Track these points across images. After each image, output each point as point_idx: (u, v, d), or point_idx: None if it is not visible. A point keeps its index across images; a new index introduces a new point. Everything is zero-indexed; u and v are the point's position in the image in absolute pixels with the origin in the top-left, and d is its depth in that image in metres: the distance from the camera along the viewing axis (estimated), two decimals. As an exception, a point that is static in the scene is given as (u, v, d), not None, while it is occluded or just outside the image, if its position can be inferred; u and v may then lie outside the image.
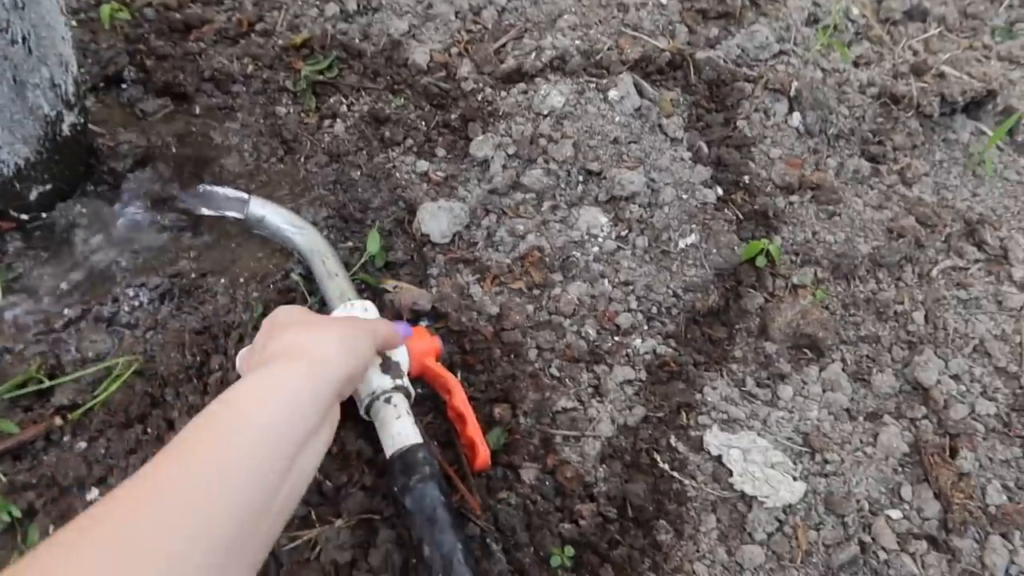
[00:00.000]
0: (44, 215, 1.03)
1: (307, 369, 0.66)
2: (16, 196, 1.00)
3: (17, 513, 0.85)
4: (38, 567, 0.45)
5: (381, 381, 0.85)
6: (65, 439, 0.90)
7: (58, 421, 0.91)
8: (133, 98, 1.18)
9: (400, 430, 0.83)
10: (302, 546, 0.85)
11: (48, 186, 1.02)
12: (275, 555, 0.85)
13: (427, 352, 0.92)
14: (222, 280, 1.01)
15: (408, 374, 0.89)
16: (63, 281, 1.00)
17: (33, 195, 1.01)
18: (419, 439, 0.83)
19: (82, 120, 1.03)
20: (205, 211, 1.04)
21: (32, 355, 0.94)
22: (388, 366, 0.86)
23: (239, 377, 0.73)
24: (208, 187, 1.04)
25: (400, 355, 0.88)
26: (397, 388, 0.86)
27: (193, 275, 1.01)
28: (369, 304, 0.94)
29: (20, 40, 0.88)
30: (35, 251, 1.01)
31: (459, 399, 0.90)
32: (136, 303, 0.99)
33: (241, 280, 1.01)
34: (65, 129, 1.01)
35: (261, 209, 1.03)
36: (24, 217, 1.01)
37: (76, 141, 1.03)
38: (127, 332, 0.98)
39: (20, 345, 0.95)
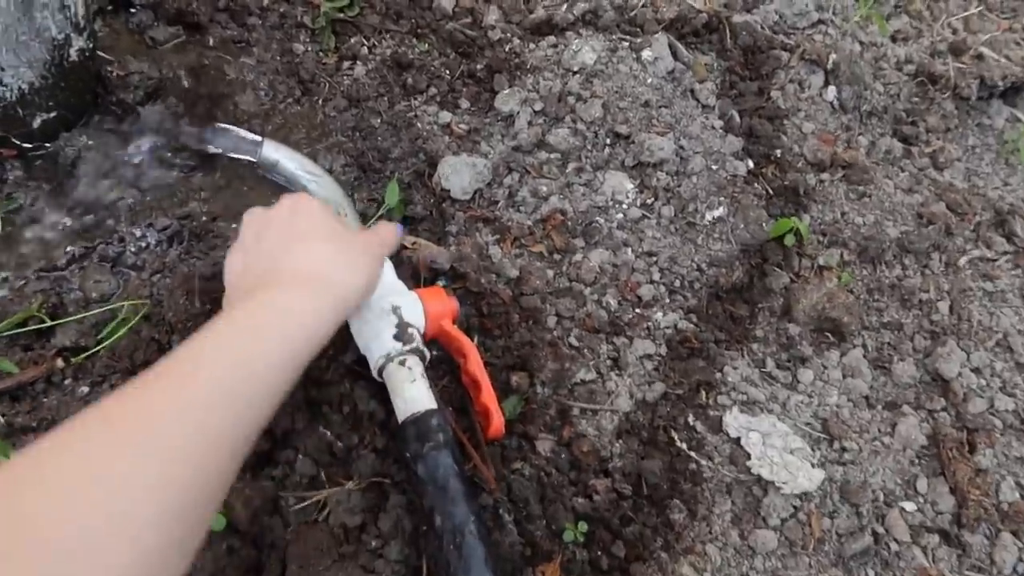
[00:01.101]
0: (47, 145, 0.97)
1: (332, 304, 0.64)
2: (19, 123, 0.94)
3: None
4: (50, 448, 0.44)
5: (395, 343, 0.81)
6: (67, 382, 0.87)
7: (59, 363, 0.87)
8: (143, 24, 1.12)
9: (414, 394, 0.79)
10: (310, 507, 0.83)
11: (52, 114, 0.96)
12: (282, 514, 0.83)
13: (444, 314, 0.87)
14: (234, 225, 0.97)
15: (423, 336, 0.86)
16: (66, 216, 0.95)
17: (36, 123, 0.96)
18: (433, 404, 0.80)
19: (90, 45, 0.97)
20: (216, 150, 0.99)
21: (33, 292, 0.90)
22: (403, 328, 0.82)
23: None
24: (222, 126, 0.99)
25: (415, 316, 0.84)
26: (412, 351, 0.81)
27: (204, 218, 0.96)
28: (387, 261, 0.89)
29: (30, -45, 0.82)
30: (37, 182, 0.96)
31: (474, 364, 0.87)
32: (143, 244, 0.95)
33: (253, 226, 0.97)
34: (72, 54, 0.95)
35: (275, 153, 0.98)
36: (27, 145, 0.96)
37: (83, 67, 0.97)
38: (133, 274, 0.94)
39: (20, 281, 0.90)
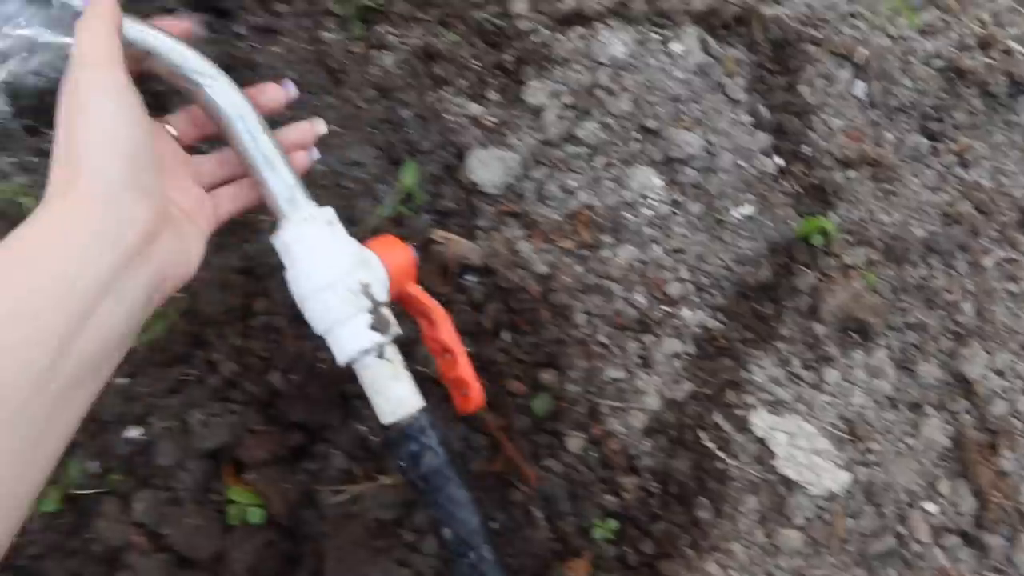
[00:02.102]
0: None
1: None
2: (48, 112, 0.94)
3: (56, 447, 0.83)
4: None
5: (373, 334, 0.65)
6: (103, 373, 0.88)
7: (96, 354, 0.88)
8: (169, 9, 1.11)
9: (400, 394, 0.67)
10: (346, 501, 0.84)
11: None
12: (318, 508, 0.84)
13: (407, 274, 0.71)
14: (260, 217, 0.97)
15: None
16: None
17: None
18: (422, 401, 0.68)
19: (123, 34, 0.97)
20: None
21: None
22: (379, 315, 0.66)
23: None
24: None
25: (382, 288, 0.67)
26: (391, 339, 0.67)
27: (237, 211, 0.96)
28: (332, 214, 0.68)
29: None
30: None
31: (445, 331, 0.74)
32: (176, 235, 0.95)
33: (285, 219, 0.97)
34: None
35: (140, 36, 0.60)
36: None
37: (116, 56, 0.97)
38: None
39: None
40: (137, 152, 0.51)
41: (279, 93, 0.67)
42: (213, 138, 0.68)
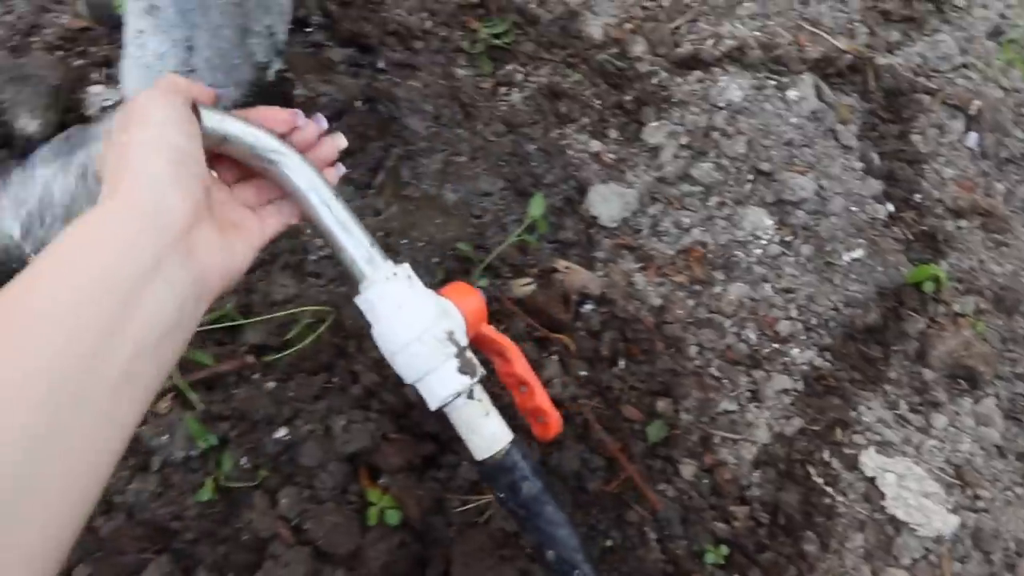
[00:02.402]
0: (241, 157, 1.06)
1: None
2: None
3: (213, 441, 0.92)
4: None
5: (462, 378, 0.70)
6: (255, 376, 0.96)
7: (250, 359, 0.96)
8: (318, 43, 1.20)
9: (493, 430, 0.72)
10: (472, 510, 0.90)
11: (246, 128, 1.05)
12: (446, 515, 0.90)
13: (480, 316, 0.76)
14: (403, 241, 1.04)
15: None
16: (254, 223, 1.04)
17: (232, 135, 1.05)
18: (511, 434, 0.73)
19: (284, 67, 1.06)
20: None
21: (227, 293, 0.99)
22: (464, 358, 0.71)
23: None
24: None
25: (462, 334, 0.72)
26: (479, 380, 0.71)
27: (379, 233, 1.04)
28: (410, 270, 0.71)
29: (255, -10, 0.90)
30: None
31: (520, 366, 0.79)
32: (321, 254, 1.03)
33: (420, 244, 1.04)
34: (271, 75, 1.03)
35: (220, 125, 0.64)
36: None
37: (277, 88, 1.06)
38: (312, 280, 1.02)
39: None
40: (183, 157, 0.54)
41: (314, 129, 0.69)
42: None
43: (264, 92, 1.04)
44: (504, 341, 0.80)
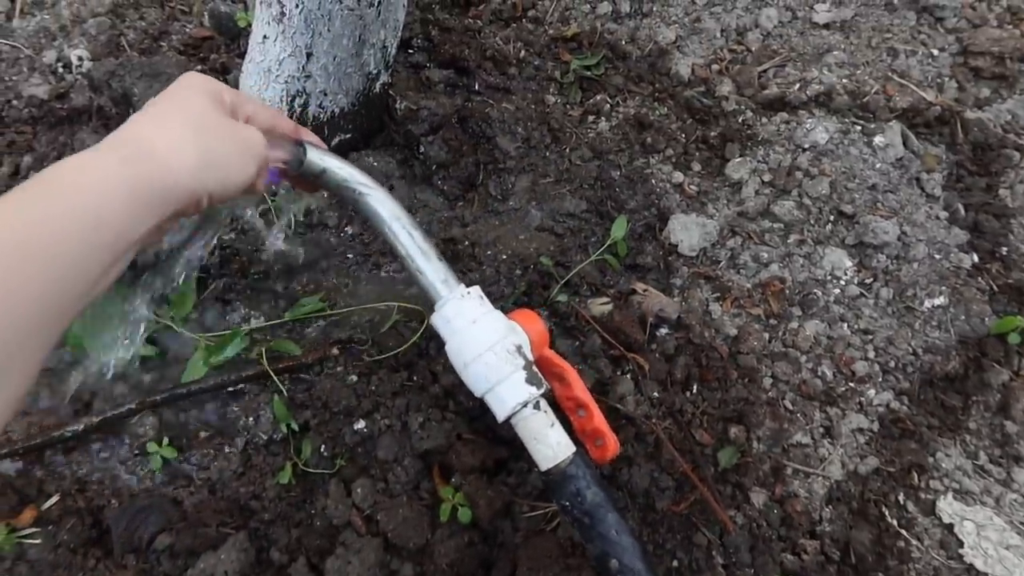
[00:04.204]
0: (341, 162, 1.11)
1: (127, 167, 0.51)
2: (322, 140, 1.09)
3: (295, 427, 0.95)
4: None
5: (530, 387, 0.76)
6: (339, 369, 0.99)
7: (335, 351, 1.00)
8: (418, 64, 1.27)
9: (559, 439, 0.76)
10: (539, 517, 0.91)
11: (348, 135, 1.11)
12: (513, 520, 0.91)
13: (543, 340, 0.82)
14: (488, 252, 1.08)
15: None
16: (348, 225, 1.09)
17: (335, 141, 1.10)
18: (574, 446, 0.77)
19: (390, 80, 1.12)
20: None
21: (317, 288, 1.04)
22: (531, 370, 0.76)
23: None
24: None
25: (528, 348, 0.78)
26: (544, 393, 0.77)
27: (465, 242, 1.07)
28: (480, 291, 0.80)
29: (376, 3, 0.96)
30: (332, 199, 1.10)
31: (579, 389, 0.83)
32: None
33: (504, 257, 1.07)
34: (377, 87, 1.09)
35: (320, 161, 0.76)
36: (326, 161, 1.10)
37: (381, 99, 1.12)
38: (400, 276, 1.06)
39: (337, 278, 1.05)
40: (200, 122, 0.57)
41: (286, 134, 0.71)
42: None
43: (370, 102, 1.10)
44: (564, 365, 0.84)
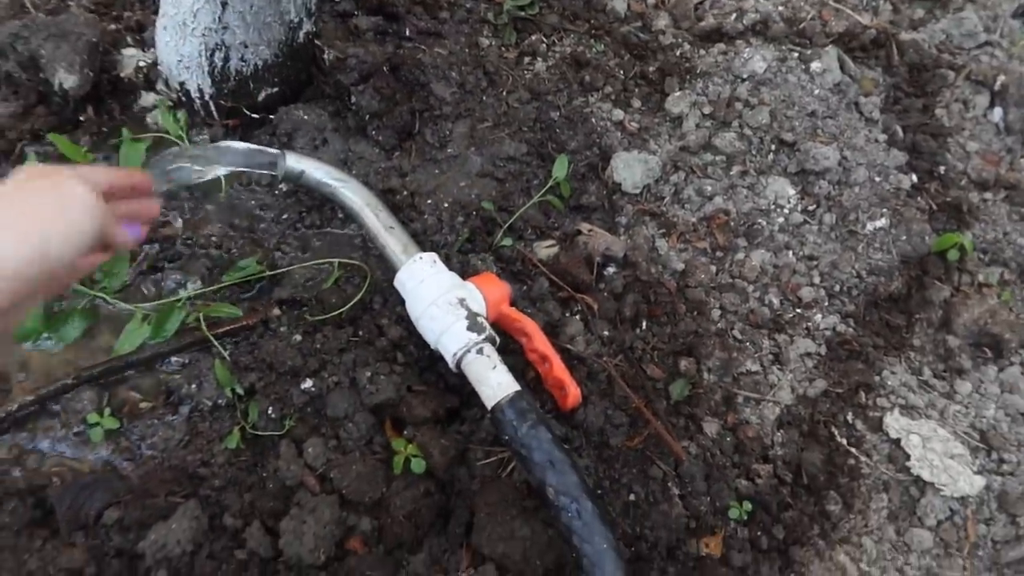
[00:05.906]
0: (270, 116, 1.08)
1: None
2: (247, 95, 1.05)
3: (240, 390, 0.93)
4: None
5: (470, 334, 0.84)
6: (282, 329, 0.97)
7: (276, 312, 0.97)
8: (345, 12, 1.22)
9: (500, 379, 0.83)
10: (495, 463, 0.90)
11: (275, 89, 1.07)
12: (469, 467, 0.90)
13: (501, 298, 0.90)
14: (428, 201, 1.05)
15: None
16: (282, 183, 1.05)
17: (261, 96, 1.06)
18: (517, 385, 0.83)
19: (314, 29, 1.08)
20: (229, 169, 0.87)
21: (265, 248, 1.01)
22: (473, 318, 0.85)
23: None
24: (232, 144, 0.89)
25: (479, 305, 0.87)
26: (486, 339, 0.85)
27: (404, 192, 1.05)
28: (436, 257, 0.90)
29: (289, -54, 0.92)
30: (259, 150, 1.06)
31: (540, 341, 0.89)
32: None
33: (446, 205, 1.05)
34: (301, 36, 1.05)
35: (298, 164, 0.90)
36: (254, 116, 1.07)
37: (306, 49, 1.08)
38: (339, 233, 1.03)
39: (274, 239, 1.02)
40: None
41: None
42: None
43: (295, 53, 1.06)
44: (524, 319, 0.91)
